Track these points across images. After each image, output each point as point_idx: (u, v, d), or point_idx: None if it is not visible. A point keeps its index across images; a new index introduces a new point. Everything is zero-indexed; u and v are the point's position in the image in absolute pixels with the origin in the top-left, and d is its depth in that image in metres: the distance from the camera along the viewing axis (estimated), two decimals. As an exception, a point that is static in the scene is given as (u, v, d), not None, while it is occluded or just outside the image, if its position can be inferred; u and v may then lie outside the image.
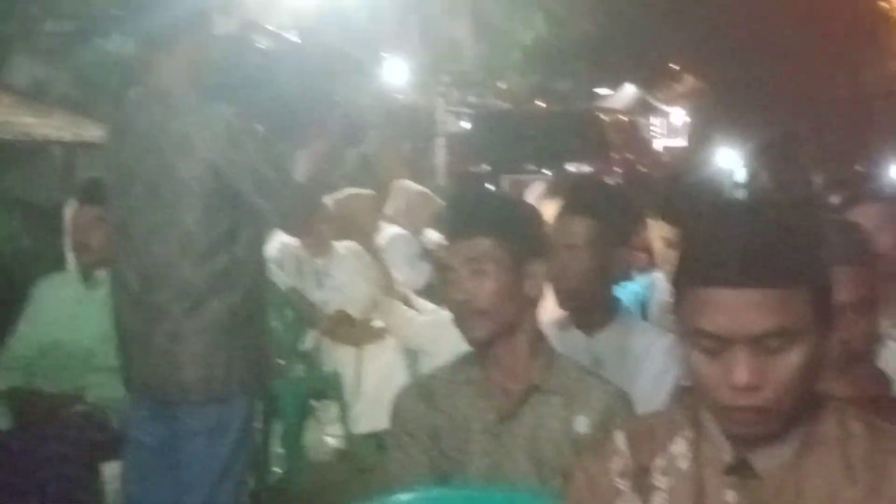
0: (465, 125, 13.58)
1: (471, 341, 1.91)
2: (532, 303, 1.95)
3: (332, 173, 3.12)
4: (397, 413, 1.97)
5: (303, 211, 2.67)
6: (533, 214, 2.03)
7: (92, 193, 3.32)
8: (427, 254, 5.94)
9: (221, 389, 2.61)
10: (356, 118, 2.95)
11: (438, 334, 5.08)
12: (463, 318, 1.90)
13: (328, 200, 5.13)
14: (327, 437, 5.04)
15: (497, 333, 1.89)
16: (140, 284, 2.64)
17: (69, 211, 3.84)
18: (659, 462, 1.32)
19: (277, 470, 4.54)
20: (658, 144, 19.51)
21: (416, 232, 5.89)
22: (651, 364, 2.28)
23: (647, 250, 4.29)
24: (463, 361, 1.97)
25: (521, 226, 1.94)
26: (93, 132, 5.42)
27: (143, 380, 2.69)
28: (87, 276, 3.53)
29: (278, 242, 5.01)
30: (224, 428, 2.63)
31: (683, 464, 1.30)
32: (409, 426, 1.94)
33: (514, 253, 1.90)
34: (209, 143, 2.55)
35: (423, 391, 1.97)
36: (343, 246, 5.06)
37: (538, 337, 1.95)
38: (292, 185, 2.65)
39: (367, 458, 4.83)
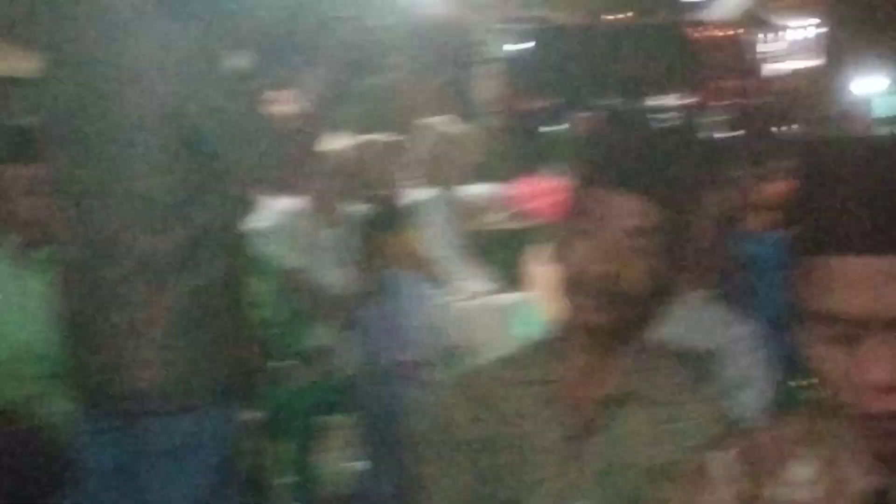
0: (514, 47, 13.54)
1: (586, 324, 1.85)
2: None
3: (334, 116, 3.13)
4: (436, 416, 1.95)
5: (290, 167, 2.70)
6: None
7: (20, 147, 3.33)
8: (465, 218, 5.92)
9: (186, 397, 2.65)
10: (366, 42, 2.96)
11: (484, 325, 5.10)
12: (585, 294, 1.82)
13: (335, 151, 5.13)
14: (347, 462, 5.06)
15: (622, 326, 1.85)
16: (86, 261, 2.68)
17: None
18: (772, 492, 1.30)
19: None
20: (774, 68, 19.36)
21: (446, 188, 5.86)
22: (732, 363, 2.25)
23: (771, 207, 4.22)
24: (520, 356, 1.95)
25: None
26: (26, 65, 5.47)
27: (94, 386, 2.73)
28: (21, 256, 3.55)
29: (275, 209, 5.03)
30: (194, 447, 2.67)
31: (807, 494, 1.28)
32: (453, 433, 1.91)
33: (683, 236, 1.87)
34: (163, 76, 2.58)
35: (469, 391, 1.94)
36: (360, 211, 5.07)
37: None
38: (275, 132, 2.67)
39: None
